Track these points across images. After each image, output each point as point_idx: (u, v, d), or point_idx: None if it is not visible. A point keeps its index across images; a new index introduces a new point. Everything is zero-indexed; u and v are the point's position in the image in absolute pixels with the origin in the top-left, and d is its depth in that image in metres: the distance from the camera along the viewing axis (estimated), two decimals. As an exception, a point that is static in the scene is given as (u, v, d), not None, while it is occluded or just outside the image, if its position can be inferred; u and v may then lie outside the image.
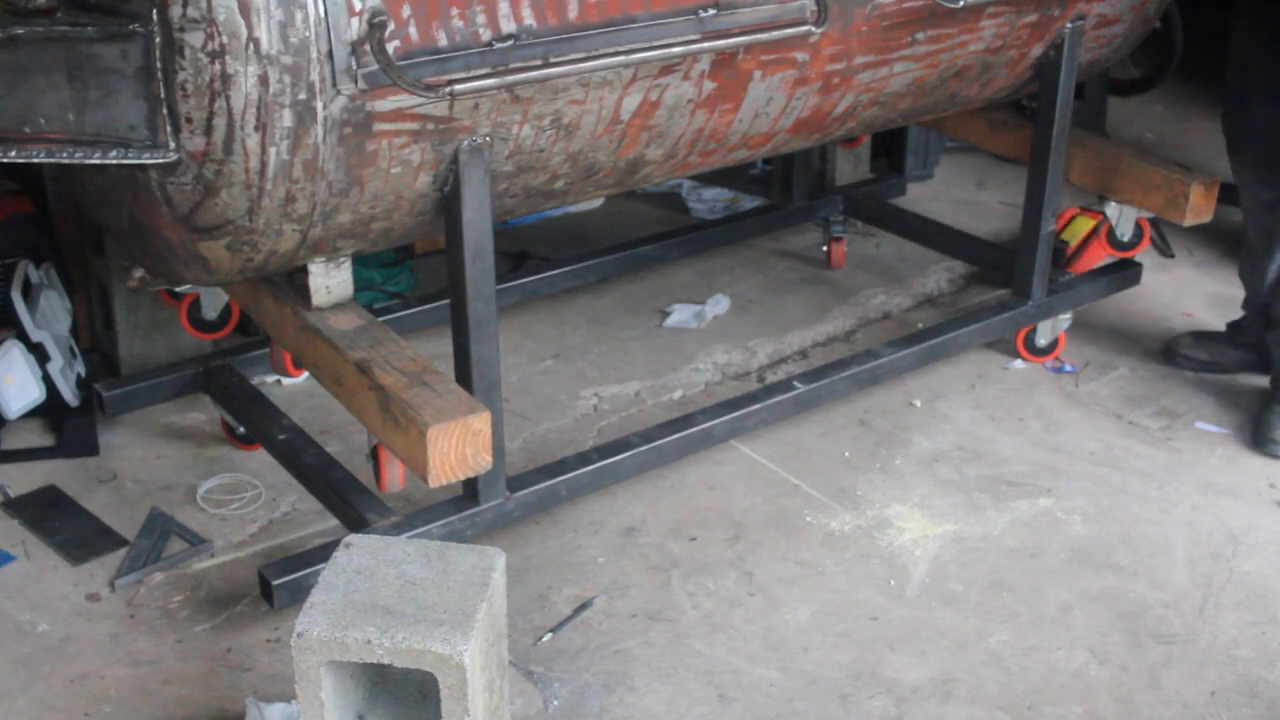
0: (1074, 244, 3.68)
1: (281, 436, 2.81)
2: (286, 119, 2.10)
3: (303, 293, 2.54)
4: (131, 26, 2.05)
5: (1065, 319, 3.52)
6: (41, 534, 2.80)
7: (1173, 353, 3.54)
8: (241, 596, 2.65)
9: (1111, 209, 3.50)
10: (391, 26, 2.14)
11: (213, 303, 3.12)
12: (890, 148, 4.53)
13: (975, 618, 2.64)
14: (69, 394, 3.11)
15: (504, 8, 2.26)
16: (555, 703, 2.42)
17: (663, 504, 2.96)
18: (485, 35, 2.25)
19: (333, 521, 2.76)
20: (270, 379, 3.27)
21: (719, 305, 3.77)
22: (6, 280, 3.13)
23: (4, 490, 2.94)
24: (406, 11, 2.16)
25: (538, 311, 3.72)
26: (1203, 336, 3.56)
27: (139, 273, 2.64)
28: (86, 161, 2.14)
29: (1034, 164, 3.31)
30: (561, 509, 2.88)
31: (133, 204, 2.33)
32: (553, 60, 2.31)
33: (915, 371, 3.41)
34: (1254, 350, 3.47)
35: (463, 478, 2.34)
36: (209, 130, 2.10)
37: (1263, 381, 3.39)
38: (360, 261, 2.84)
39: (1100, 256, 3.64)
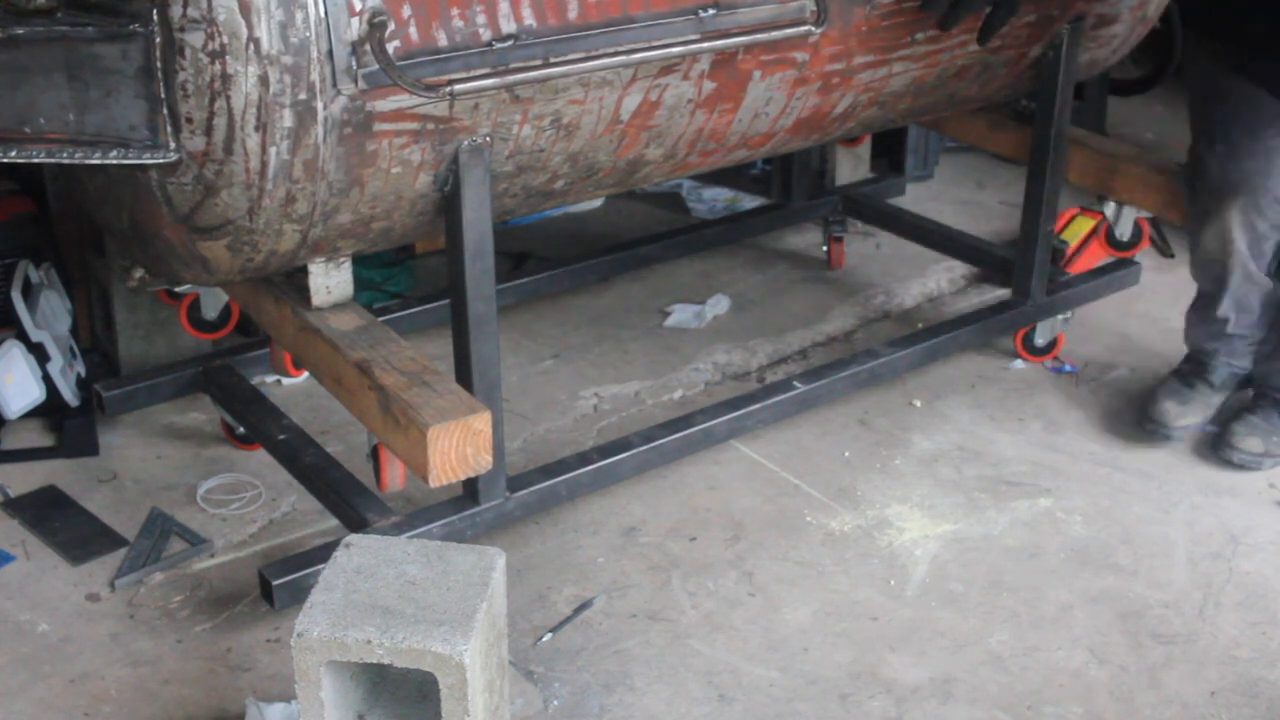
0: (1074, 244, 3.68)
1: (281, 436, 2.81)
2: (287, 119, 2.10)
3: (303, 293, 2.54)
4: (132, 26, 2.05)
5: (1064, 319, 3.52)
6: (41, 534, 2.80)
7: (1163, 427, 3.22)
8: (241, 596, 2.65)
9: (1111, 209, 3.50)
10: (392, 26, 2.14)
11: (212, 303, 3.12)
12: (890, 148, 4.53)
13: (975, 618, 2.64)
14: (69, 394, 3.11)
15: (504, 8, 2.26)
16: (555, 703, 2.42)
17: (663, 504, 2.96)
18: (485, 35, 2.25)
19: (333, 521, 2.76)
20: (270, 379, 3.27)
21: (719, 305, 3.77)
22: (6, 280, 3.13)
23: (4, 490, 2.94)
24: (406, 11, 2.16)
25: (538, 311, 3.72)
26: (1178, 394, 3.27)
27: (139, 273, 2.64)
28: (86, 161, 2.13)
29: (1033, 164, 3.31)
30: (561, 509, 2.89)
31: (133, 204, 2.33)
32: (553, 60, 2.31)
33: (915, 371, 3.41)
34: None
35: (463, 478, 2.34)
36: (209, 130, 2.10)
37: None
38: (360, 261, 2.84)
39: (1100, 256, 3.65)
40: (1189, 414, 3.19)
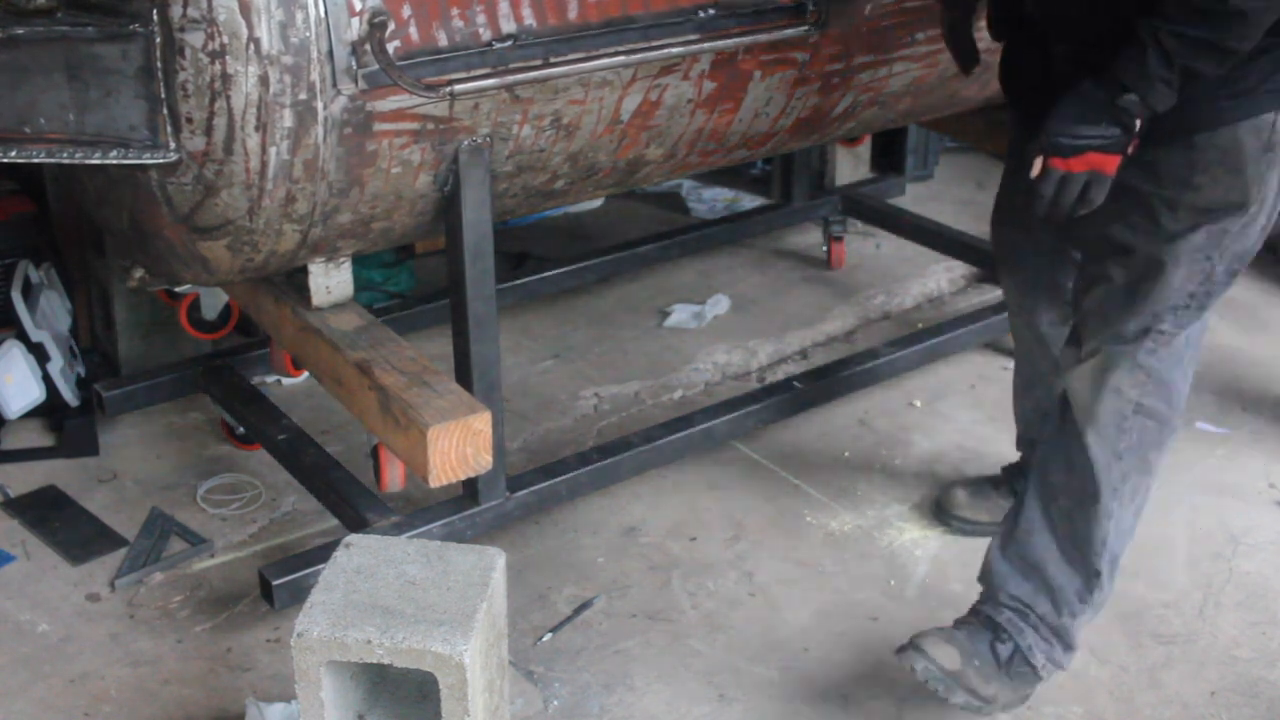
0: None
1: (281, 436, 2.81)
2: (287, 119, 2.10)
3: (303, 293, 2.54)
4: (132, 26, 2.05)
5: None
6: (41, 534, 2.80)
7: (944, 513, 2.90)
8: (241, 596, 2.65)
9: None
10: (392, 26, 2.14)
11: (212, 303, 3.12)
12: (890, 148, 4.54)
13: (975, 618, 2.64)
14: (69, 394, 3.11)
15: (504, 8, 2.26)
16: (555, 703, 2.42)
17: (663, 504, 2.96)
18: (485, 35, 2.25)
19: (333, 521, 2.76)
20: (270, 379, 3.27)
21: (719, 305, 3.77)
22: (6, 280, 3.13)
23: (4, 490, 2.94)
24: (407, 11, 2.16)
25: (538, 311, 3.72)
26: (979, 489, 2.91)
27: (139, 273, 2.64)
28: (86, 161, 2.13)
29: (1034, 164, 3.31)
30: (561, 509, 2.88)
31: (133, 204, 2.33)
32: (553, 60, 2.31)
33: (915, 371, 3.41)
34: None
35: (463, 478, 2.34)
36: (209, 130, 2.10)
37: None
38: (360, 261, 2.84)
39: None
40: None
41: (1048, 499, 2.33)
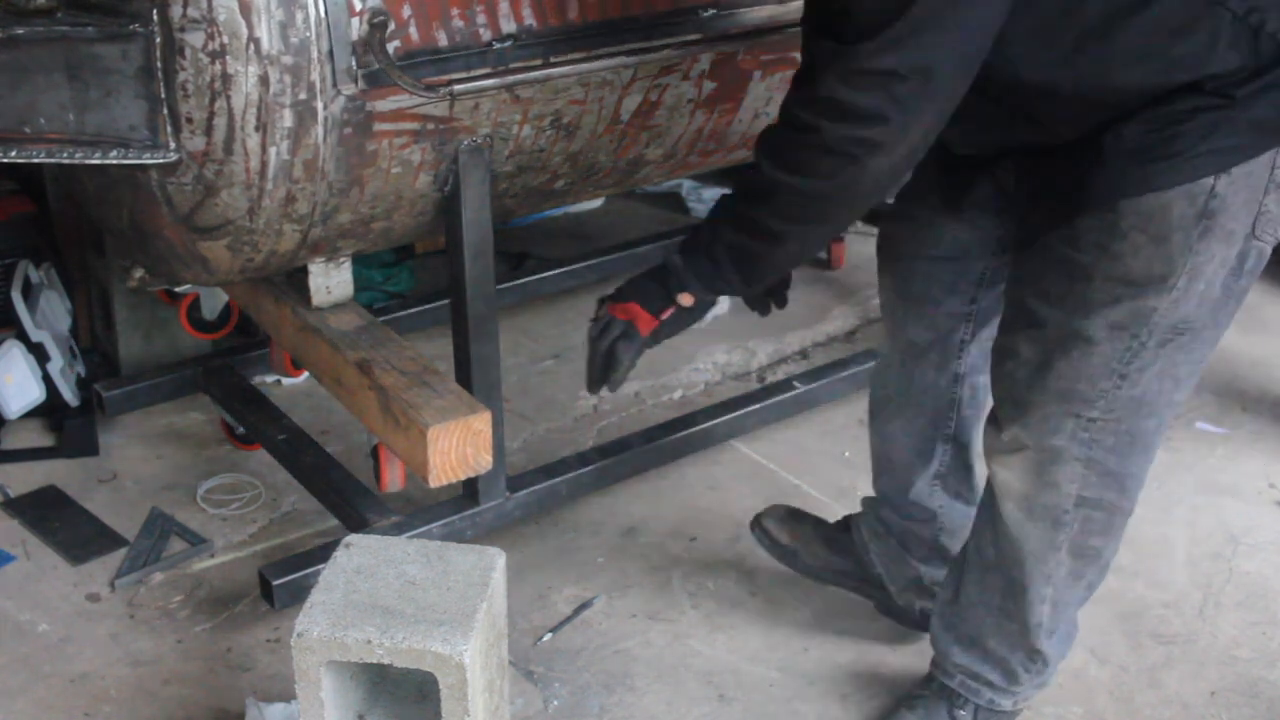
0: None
1: (281, 436, 2.81)
2: (287, 119, 2.10)
3: (303, 293, 2.54)
4: (132, 26, 2.05)
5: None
6: (41, 534, 2.80)
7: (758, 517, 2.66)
8: (241, 596, 2.64)
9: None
10: (392, 26, 2.14)
11: (212, 303, 3.11)
12: (890, 148, 4.53)
13: (975, 618, 2.64)
14: (69, 394, 3.11)
15: (504, 8, 2.26)
16: (555, 703, 2.42)
17: (663, 504, 2.96)
18: (485, 35, 2.25)
19: (333, 521, 2.76)
20: (270, 379, 3.27)
21: (719, 305, 3.75)
22: (6, 280, 3.13)
23: (4, 490, 2.94)
24: (407, 12, 2.16)
25: (538, 311, 3.72)
26: (796, 515, 2.67)
27: (139, 273, 2.64)
28: (86, 162, 2.13)
29: (1034, 164, 3.31)
30: (561, 509, 2.88)
31: (133, 204, 2.33)
32: (553, 60, 2.31)
33: (915, 371, 3.41)
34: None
35: (463, 478, 2.34)
36: (209, 130, 2.10)
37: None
38: (360, 261, 2.84)
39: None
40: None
41: (983, 569, 2.18)
